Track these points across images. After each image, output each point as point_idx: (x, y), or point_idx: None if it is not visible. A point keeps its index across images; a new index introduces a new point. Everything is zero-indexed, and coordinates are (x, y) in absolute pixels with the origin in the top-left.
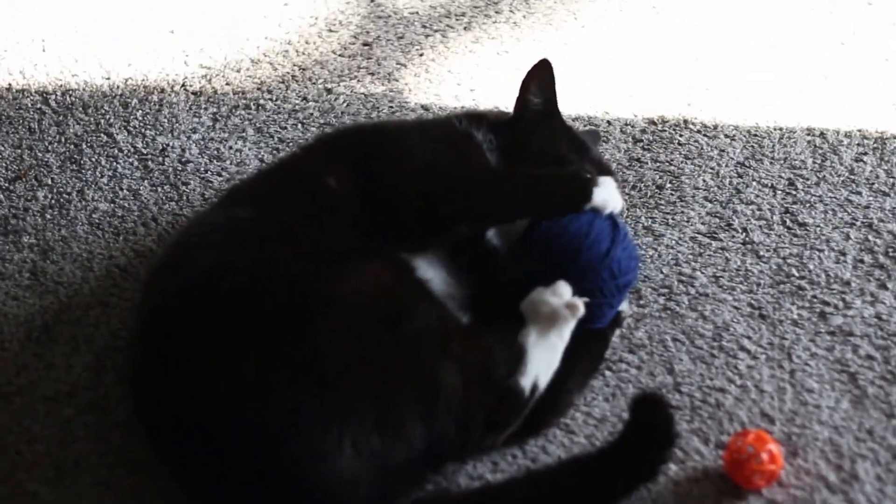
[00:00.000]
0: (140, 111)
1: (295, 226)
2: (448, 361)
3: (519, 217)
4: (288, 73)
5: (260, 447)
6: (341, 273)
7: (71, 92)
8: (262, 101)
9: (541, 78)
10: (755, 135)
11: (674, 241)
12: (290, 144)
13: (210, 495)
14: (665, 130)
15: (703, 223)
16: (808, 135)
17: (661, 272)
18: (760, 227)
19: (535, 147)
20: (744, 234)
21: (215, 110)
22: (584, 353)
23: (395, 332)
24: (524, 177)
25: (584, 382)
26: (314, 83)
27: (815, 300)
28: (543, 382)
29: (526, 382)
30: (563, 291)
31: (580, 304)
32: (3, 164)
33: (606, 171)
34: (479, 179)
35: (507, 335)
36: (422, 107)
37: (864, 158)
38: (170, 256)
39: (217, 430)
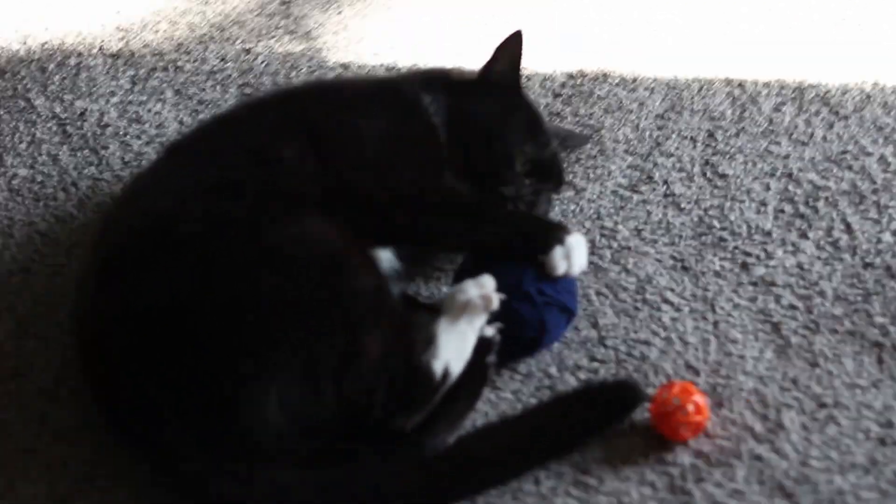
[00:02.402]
0: (58, 75)
1: (247, 181)
2: (374, 332)
3: (470, 250)
4: (206, 33)
5: (195, 384)
6: (290, 225)
7: None
8: (180, 63)
9: (511, 50)
10: (674, 87)
11: (595, 196)
12: (210, 106)
13: (138, 433)
14: (584, 84)
15: (624, 177)
16: (727, 86)
17: (584, 227)
18: (681, 179)
19: (482, 116)
20: (665, 186)
21: (133, 73)
22: (459, 389)
23: (331, 290)
24: (489, 212)
25: (455, 424)
26: (232, 43)
27: (736, 251)
28: (454, 370)
29: (437, 366)
30: (484, 283)
31: (494, 298)
32: None
33: (554, 170)
34: (441, 210)
35: (426, 321)
36: (341, 65)
37: (783, 108)
38: (113, 211)
39: (154, 365)
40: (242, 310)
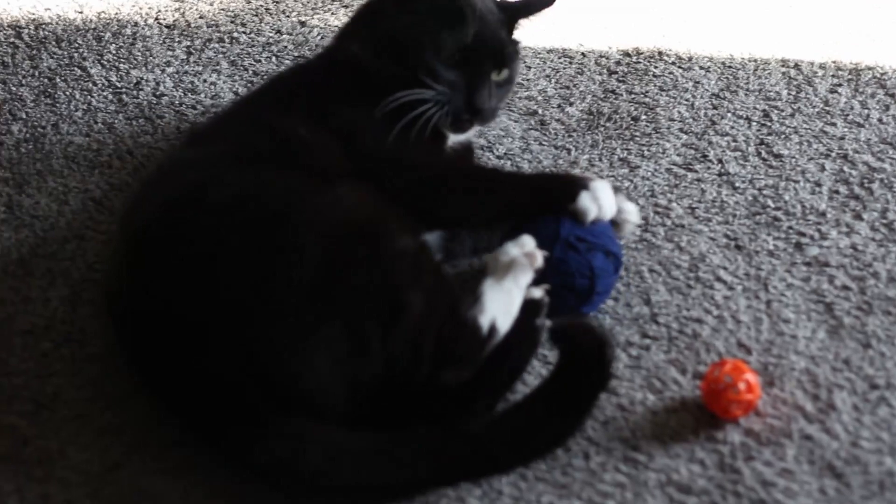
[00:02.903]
0: (114, 45)
1: (273, 154)
2: (416, 289)
3: (499, 220)
4: (261, 5)
5: (240, 348)
6: (328, 189)
7: (44, 26)
8: (235, 34)
9: None
10: (730, 66)
11: (649, 173)
12: (265, 77)
13: (183, 399)
14: (640, 62)
15: (678, 155)
16: (783, 66)
17: (637, 204)
18: (736, 158)
19: (390, 28)
20: (719, 165)
21: (189, 43)
22: (509, 353)
23: (371, 249)
24: (506, 178)
25: (505, 387)
26: (288, 16)
27: (790, 231)
28: (502, 327)
29: (483, 321)
30: (525, 242)
31: (538, 255)
32: None
33: (490, 51)
34: (457, 186)
35: (471, 282)
36: None
37: (839, 90)
38: (148, 184)
39: (198, 328)
40: (283, 271)
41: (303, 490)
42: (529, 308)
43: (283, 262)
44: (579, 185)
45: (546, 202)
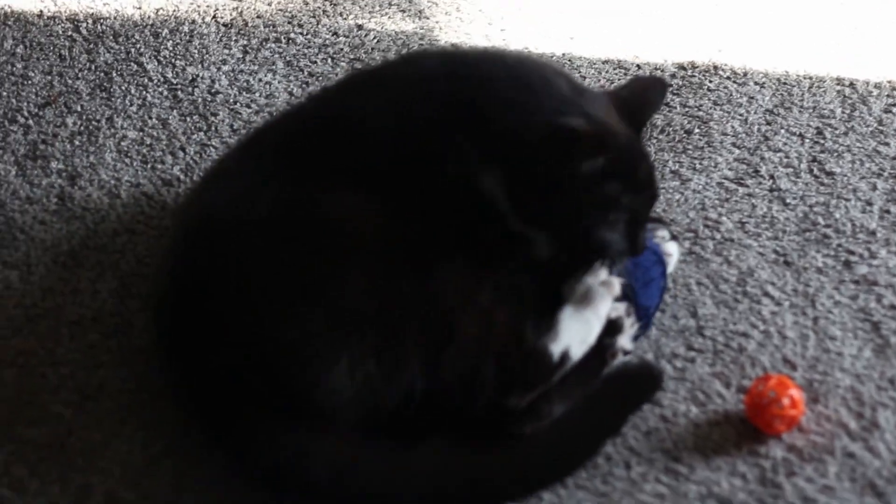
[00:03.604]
0: (170, 41)
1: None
2: (470, 312)
3: None
4: (319, 7)
5: (262, 348)
6: (378, 203)
7: (102, 20)
8: (292, 35)
9: None
10: (785, 83)
11: (700, 186)
12: (320, 79)
13: (201, 392)
14: (695, 76)
15: (730, 169)
16: (838, 84)
17: (688, 216)
18: (788, 174)
19: None
20: (771, 181)
21: (245, 42)
22: (576, 366)
23: (420, 271)
24: None
25: (568, 396)
26: (345, 18)
27: (840, 249)
28: (576, 355)
29: (556, 348)
30: (600, 271)
31: (616, 283)
32: (34, 90)
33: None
34: None
35: (546, 312)
36: (452, 45)
37: (894, 110)
38: (200, 190)
39: (226, 328)
40: (319, 288)
41: (310, 500)
42: (606, 326)
43: (322, 272)
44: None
45: None
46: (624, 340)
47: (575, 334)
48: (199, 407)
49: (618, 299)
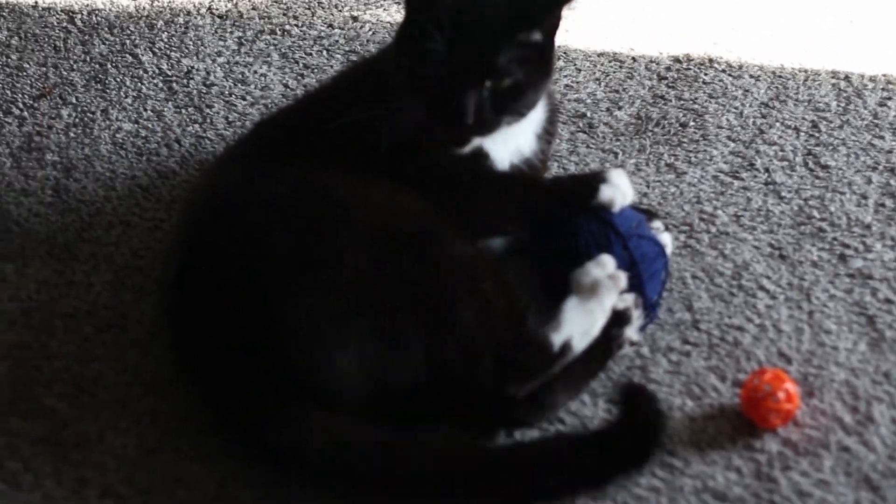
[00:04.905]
0: (165, 33)
1: (333, 152)
2: (470, 297)
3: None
4: None
5: (271, 330)
6: (380, 187)
7: (97, 12)
8: (287, 27)
9: None
10: (780, 76)
11: (696, 179)
12: (315, 71)
13: (210, 372)
14: (690, 69)
15: (725, 162)
16: (833, 78)
17: (683, 209)
18: (783, 167)
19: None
20: (766, 174)
21: (241, 34)
22: (581, 356)
23: (420, 252)
24: (530, 184)
25: (574, 387)
26: (340, 10)
27: (835, 242)
28: (578, 346)
29: (557, 338)
30: (606, 262)
31: (622, 276)
32: (29, 82)
33: None
34: (484, 194)
35: (550, 301)
36: None
37: (889, 103)
38: (209, 176)
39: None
40: (325, 263)
41: (307, 478)
42: (614, 317)
43: (326, 254)
44: (597, 179)
45: (570, 202)
46: (631, 331)
47: (578, 325)
48: (207, 386)
49: (625, 290)
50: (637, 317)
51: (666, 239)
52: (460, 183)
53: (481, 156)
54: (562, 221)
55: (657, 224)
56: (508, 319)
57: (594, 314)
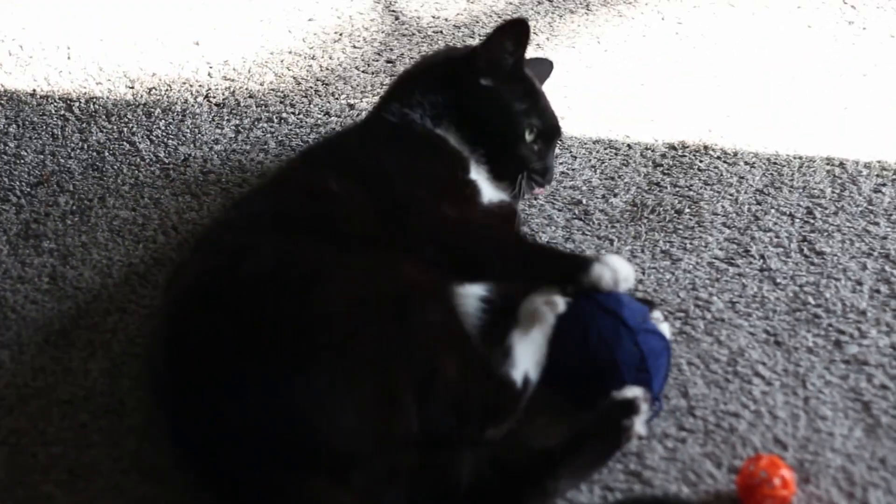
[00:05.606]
0: (163, 121)
1: (310, 219)
2: (448, 356)
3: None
4: (311, 87)
5: (272, 407)
6: (360, 257)
7: (95, 100)
8: (284, 115)
9: (517, 36)
10: (775, 163)
11: (691, 266)
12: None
13: (217, 460)
14: (685, 156)
15: (720, 249)
16: (828, 164)
17: (678, 296)
18: (778, 254)
19: (492, 105)
20: (761, 260)
21: (238, 122)
22: (589, 445)
23: (401, 321)
24: (528, 248)
25: (578, 475)
26: (337, 98)
27: (830, 328)
28: (534, 377)
29: (516, 374)
30: (545, 291)
31: (560, 302)
32: (26, 169)
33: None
34: (487, 248)
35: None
36: None
37: (883, 189)
38: (195, 247)
39: (229, 391)
40: (312, 337)
41: None
42: (622, 406)
43: (312, 328)
44: (591, 259)
45: (559, 269)
46: (639, 424)
47: (529, 357)
48: (207, 471)
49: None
50: (645, 410)
51: (666, 330)
52: (476, 238)
53: (476, 190)
54: (574, 314)
55: (657, 314)
56: (481, 370)
57: (537, 342)
